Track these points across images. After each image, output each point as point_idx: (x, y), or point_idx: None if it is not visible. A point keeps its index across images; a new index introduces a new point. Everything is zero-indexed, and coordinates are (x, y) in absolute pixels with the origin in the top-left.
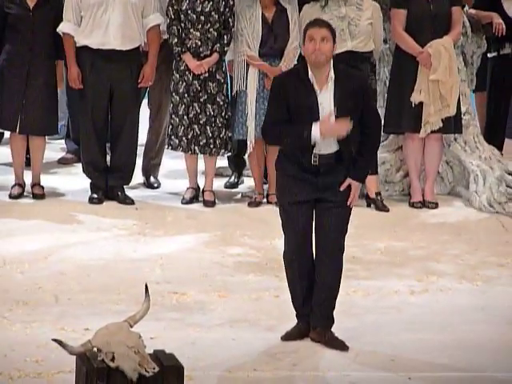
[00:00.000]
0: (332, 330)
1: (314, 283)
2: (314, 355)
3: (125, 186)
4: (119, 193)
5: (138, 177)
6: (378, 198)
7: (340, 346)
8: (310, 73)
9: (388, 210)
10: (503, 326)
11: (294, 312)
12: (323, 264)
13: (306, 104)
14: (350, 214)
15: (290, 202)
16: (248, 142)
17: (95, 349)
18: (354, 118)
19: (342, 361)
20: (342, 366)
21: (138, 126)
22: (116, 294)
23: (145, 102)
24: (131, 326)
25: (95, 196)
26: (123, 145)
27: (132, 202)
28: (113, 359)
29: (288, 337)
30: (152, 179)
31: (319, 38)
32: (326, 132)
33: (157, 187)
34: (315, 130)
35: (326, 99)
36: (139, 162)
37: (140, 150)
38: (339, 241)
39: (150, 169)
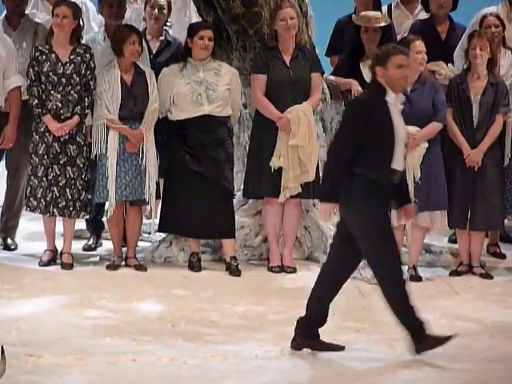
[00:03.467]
0: None
1: None
2: None
3: None
4: None
5: None
6: (233, 262)
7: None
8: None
9: (239, 275)
10: None
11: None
12: None
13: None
14: None
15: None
16: (108, 205)
17: None
18: None
19: None
20: None
21: None
22: None
23: (2, 162)
24: None
25: None
26: None
27: None
28: None
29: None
30: (9, 241)
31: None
32: None
33: (14, 249)
34: None
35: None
36: None
37: None
38: None
39: (8, 230)
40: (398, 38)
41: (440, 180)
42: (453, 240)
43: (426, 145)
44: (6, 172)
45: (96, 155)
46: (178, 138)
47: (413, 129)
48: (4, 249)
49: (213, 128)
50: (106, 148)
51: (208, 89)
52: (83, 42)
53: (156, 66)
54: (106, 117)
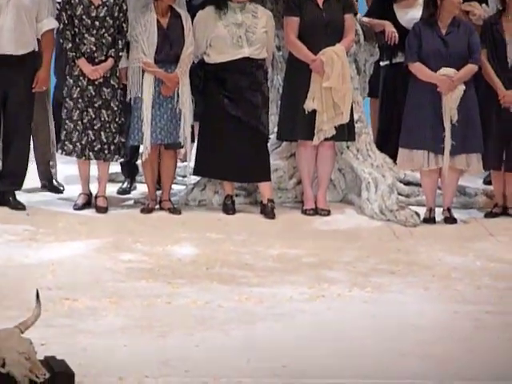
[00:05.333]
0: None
1: None
2: (206, 362)
3: (20, 191)
4: (10, 198)
5: (33, 182)
6: (269, 204)
7: None
8: None
9: (273, 217)
10: (394, 333)
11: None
12: None
13: None
14: None
15: None
16: (143, 149)
17: None
18: None
19: (234, 367)
20: (233, 372)
21: (30, 132)
22: (7, 299)
23: None
24: (22, 332)
25: None
26: (16, 150)
27: (23, 208)
28: (3, 365)
29: None
30: (55, 182)
31: None
32: None
33: (62, 190)
34: None
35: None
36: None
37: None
38: None
39: (50, 172)
40: None
41: (476, 123)
42: (487, 181)
43: (463, 87)
44: None
45: (131, 98)
46: (215, 81)
47: (450, 71)
48: (50, 191)
49: (251, 71)
50: (142, 91)
51: (247, 31)
52: None
53: (191, 9)
54: (141, 60)
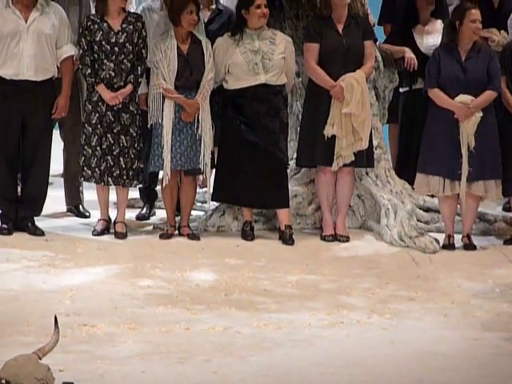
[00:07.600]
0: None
1: None
2: None
3: (41, 216)
4: (29, 224)
5: (52, 207)
6: (287, 231)
7: None
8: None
9: (292, 244)
10: (413, 360)
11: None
12: None
13: None
14: None
15: None
16: (164, 175)
17: (3, 381)
18: None
19: None
20: None
21: (49, 157)
22: (25, 325)
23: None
24: (40, 358)
25: (5, 227)
26: (35, 176)
27: (42, 234)
28: None
29: None
30: (81, 208)
31: None
32: None
33: (88, 216)
34: None
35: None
36: (58, 193)
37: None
38: None
39: (79, 197)
40: (452, 6)
41: (494, 149)
42: (507, 208)
43: (481, 114)
44: (61, 142)
45: (151, 124)
46: (233, 107)
47: (467, 98)
48: (77, 216)
49: (269, 97)
50: (162, 117)
51: (264, 58)
52: (140, 9)
53: (208, 35)
54: (162, 86)
